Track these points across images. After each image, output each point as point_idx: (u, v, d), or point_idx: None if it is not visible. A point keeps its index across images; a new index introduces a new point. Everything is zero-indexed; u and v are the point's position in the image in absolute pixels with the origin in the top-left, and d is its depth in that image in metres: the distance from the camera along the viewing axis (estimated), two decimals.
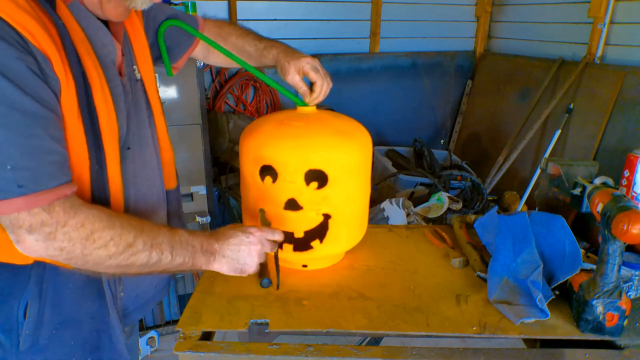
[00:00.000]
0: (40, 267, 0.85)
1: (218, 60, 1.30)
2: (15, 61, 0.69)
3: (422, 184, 2.79)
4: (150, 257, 0.84)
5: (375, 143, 1.40)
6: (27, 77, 0.70)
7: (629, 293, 1.08)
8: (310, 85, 1.15)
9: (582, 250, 1.09)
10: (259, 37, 1.22)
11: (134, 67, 0.99)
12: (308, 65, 1.12)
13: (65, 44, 0.77)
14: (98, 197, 0.86)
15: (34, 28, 0.71)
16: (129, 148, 0.94)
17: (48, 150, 0.74)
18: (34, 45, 0.71)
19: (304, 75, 1.14)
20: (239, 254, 0.95)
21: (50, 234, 0.75)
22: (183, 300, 2.50)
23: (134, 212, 0.95)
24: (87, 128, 0.81)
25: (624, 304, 0.94)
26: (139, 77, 1.00)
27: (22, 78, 0.70)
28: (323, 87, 1.14)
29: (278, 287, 1.10)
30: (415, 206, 2.41)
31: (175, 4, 2.55)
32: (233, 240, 0.95)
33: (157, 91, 1.06)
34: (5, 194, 0.70)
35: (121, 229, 0.81)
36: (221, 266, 0.95)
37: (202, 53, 1.27)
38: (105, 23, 0.89)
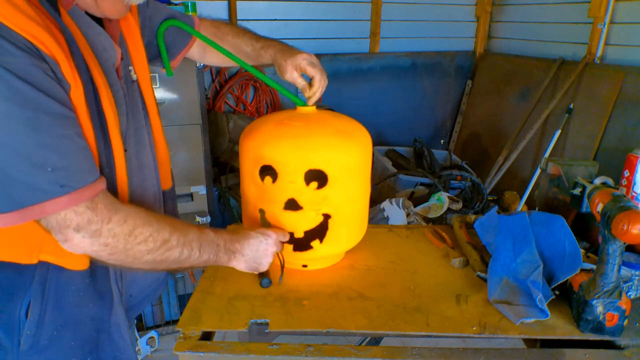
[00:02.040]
0: (44, 267, 0.85)
1: (214, 60, 1.30)
2: (32, 68, 0.70)
3: (422, 184, 2.79)
4: (182, 253, 0.88)
5: (375, 143, 1.40)
6: (45, 81, 0.72)
7: (629, 293, 1.08)
8: (309, 81, 1.15)
9: (582, 250, 1.09)
10: (256, 37, 1.22)
11: (130, 68, 0.99)
12: (305, 61, 1.13)
13: (72, 50, 0.78)
14: None
15: (43, 36, 0.72)
16: (125, 150, 0.94)
17: (79, 148, 0.76)
18: (45, 52, 0.72)
19: (302, 72, 1.14)
20: (257, 253, 1.02)
21: (97, 231, 0.78)
22: (183, 300, 2.49)
23: None
24: (97, 131, 0.83)
25: (624, 304, 0.94)
26: (135, 78, 1.00)
27: (41, 82, 0.71)
28: (321, 81, 1.14)
29: (280, 281, 1.11)
30: (415, 206, 2.41)
31: (175, 4, 2.55)
32: (253, 241, 1.02)
33: (153, 91, 1.07)
34: (49, 194, 0.73)
35: (157, 225, 0.85)
36: (239, 263, 1.01)
37: (198, 53, 1.27)
38: (101, 24, 0.89)
